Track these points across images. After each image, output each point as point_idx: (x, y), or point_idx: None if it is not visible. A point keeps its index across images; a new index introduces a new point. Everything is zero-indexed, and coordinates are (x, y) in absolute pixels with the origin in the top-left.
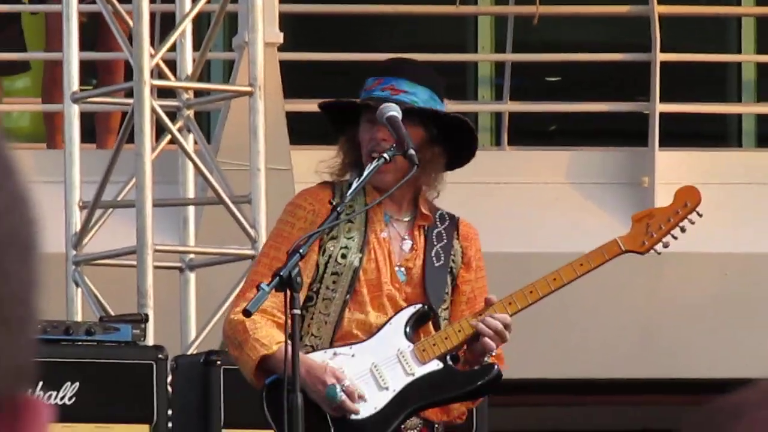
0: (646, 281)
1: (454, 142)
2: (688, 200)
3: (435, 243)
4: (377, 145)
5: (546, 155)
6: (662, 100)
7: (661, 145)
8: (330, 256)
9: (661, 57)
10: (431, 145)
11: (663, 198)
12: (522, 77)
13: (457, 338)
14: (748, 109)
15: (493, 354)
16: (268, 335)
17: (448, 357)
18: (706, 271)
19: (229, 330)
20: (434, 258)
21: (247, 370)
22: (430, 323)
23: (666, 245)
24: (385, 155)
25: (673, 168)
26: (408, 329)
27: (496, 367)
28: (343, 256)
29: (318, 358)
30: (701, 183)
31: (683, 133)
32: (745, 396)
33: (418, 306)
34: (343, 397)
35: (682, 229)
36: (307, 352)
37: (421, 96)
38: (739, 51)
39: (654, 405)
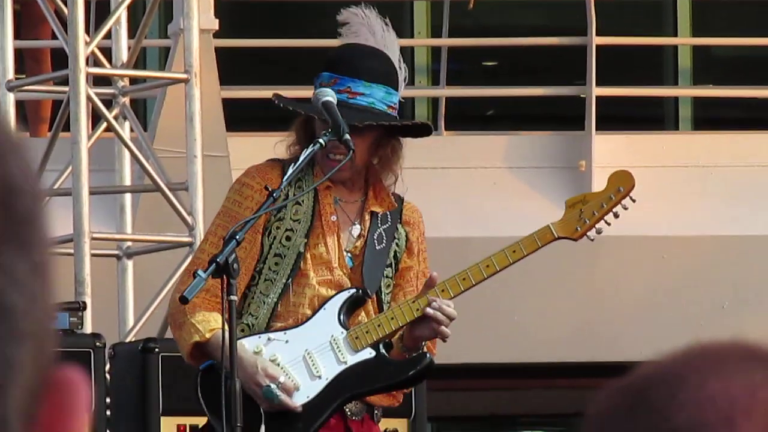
0: (584, 264)
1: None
2: (621, 185)
3: (379, 225)
4: (335, 147)
5: (483, 140)
6: (599, 84)
7: (598, 129)
8: (275, 238)
9: (597, 41)
10: (388, 140)
11: (600, 181)
12: (458, 62)
13: (390, 326)
14: (685, 92)
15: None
16: (205, 320)
17: (380, 345)
18: (643, 254)
19: (173, 309)
20: (376, 241)
21: (183, 352)
22: (370, 306)
23: (599, 231)
24: (320, 140)
25: (610, 152)
26: (342, 315)
27: (428, 356)
28: (288, 239)
29: (252, 344)
30: (638, 166)
31: (620, 117)
32: (676, 365)
33: (352, 291)
34: (282, 396)
35: (616, 215)
36: (242, 330)
37: (377, 95)
38: (675, 34)
39: (591, 388)
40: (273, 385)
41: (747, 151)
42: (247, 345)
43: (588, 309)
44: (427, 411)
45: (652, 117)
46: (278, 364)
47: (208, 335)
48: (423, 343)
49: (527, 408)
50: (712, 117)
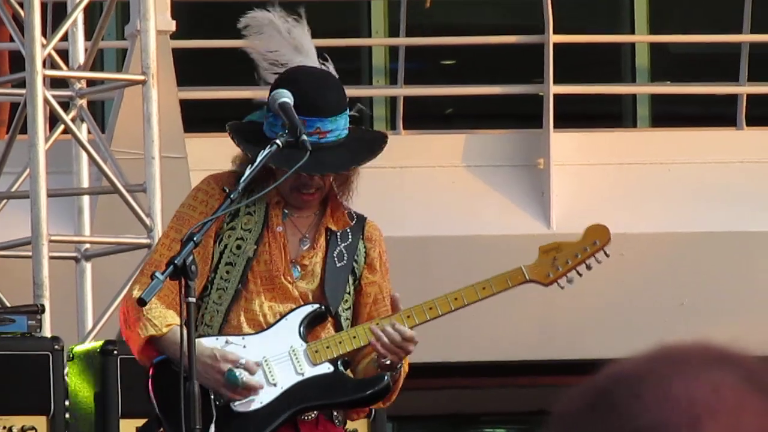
0: None
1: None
2: (597, 239)
3: (339, 242)
4: (305, 185)
5: (442, 139)
6: (556, 82)
7: (556, 126)
8: (226, 246)
9: (554, 39)
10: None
11: (558, 179)
12: (416, 61)
13: (351, 344)
14: (643, 89)
15: (387, 363)
16: (161, 316)
17: (339, 362)
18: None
19: (126, 307)
20: (336, 258)
21: (134, 347)
22: (329, 324)
23: (570, 281)
24: (278, 141)
25: (568, 149)
26: (302, 328)
27: (385, 378)
28: (238, 247)
29: (209, 344)
30: (597, 164)
31: (578, 115)
32: (641, 367)
33: (315, 306)
34: (245, 376)
35: (588, 267)
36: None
37: (341, 124)
38: (632, 32)
39: (553, 386)
40: (235, 369)
41: (705, 148)
42: (206, 343)
43: (548, 307)
44: (387, 410)
45: (610, 114)
46: None
47: (164, 330)
48: (399, 365)
49: (488, 407)
50: (670, 114)
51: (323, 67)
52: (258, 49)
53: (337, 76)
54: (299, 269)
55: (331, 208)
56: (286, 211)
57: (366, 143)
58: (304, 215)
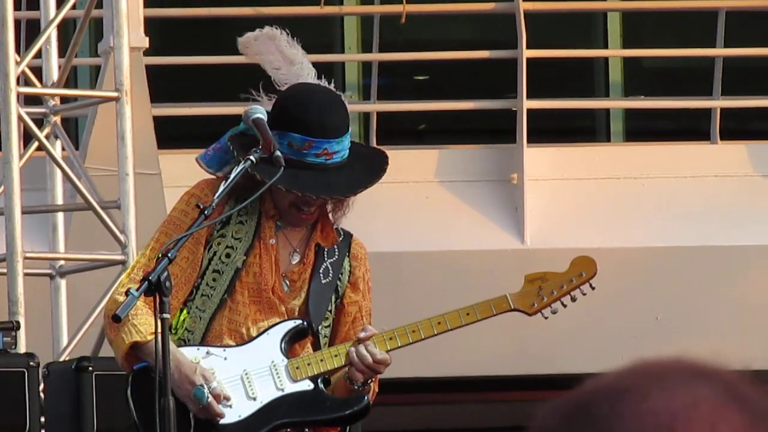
0: (518, 277)
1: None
2: (583, 270)
3: (326, 258)
4: (306, 203)
5: (415, 154)
6: (530, 96)
7: (529, 141)
8: (215, 253)
9: (527, 54)
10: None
11: (532, 194)
12: (390, 77)
13: (332, 363)
14: (616, 104)
15: (369, 382)
16: (146, 323)
17: (319, 379)
18: None
19: (111, 309)
20: (322, 275)
21: (118, 353)
22: (308, 341)
23: (554, 311)
24: (251, 157)
25: (541, 164)
26: (284, 344)
27: (365, 399)
28: (227, 256)
29: (190, 354)
30: (570, 179)
31: (552, 130)
32: (617, 382)
33: (298, 322)
34: (210, 399)
35: (573, 298)
36: (179, 345)
37: (345, 144)
38: (605, 46)
39: (526, 402)
40: (205, 387)
41: (679, 162)
42: (187, 353)
43: (522, 322)
44: (361, 426)
45: (584, 129)
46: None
47: (149, 337)
48: (369, 380)
49: (462, 422)
50: (644, 129)
51: (320, 82)
52: (256, 59)
53: (339, 93)
54: (289, 283)
55: (321, 223)
56: (279, 224)
57: (368, 163)
58: (296, 229)
